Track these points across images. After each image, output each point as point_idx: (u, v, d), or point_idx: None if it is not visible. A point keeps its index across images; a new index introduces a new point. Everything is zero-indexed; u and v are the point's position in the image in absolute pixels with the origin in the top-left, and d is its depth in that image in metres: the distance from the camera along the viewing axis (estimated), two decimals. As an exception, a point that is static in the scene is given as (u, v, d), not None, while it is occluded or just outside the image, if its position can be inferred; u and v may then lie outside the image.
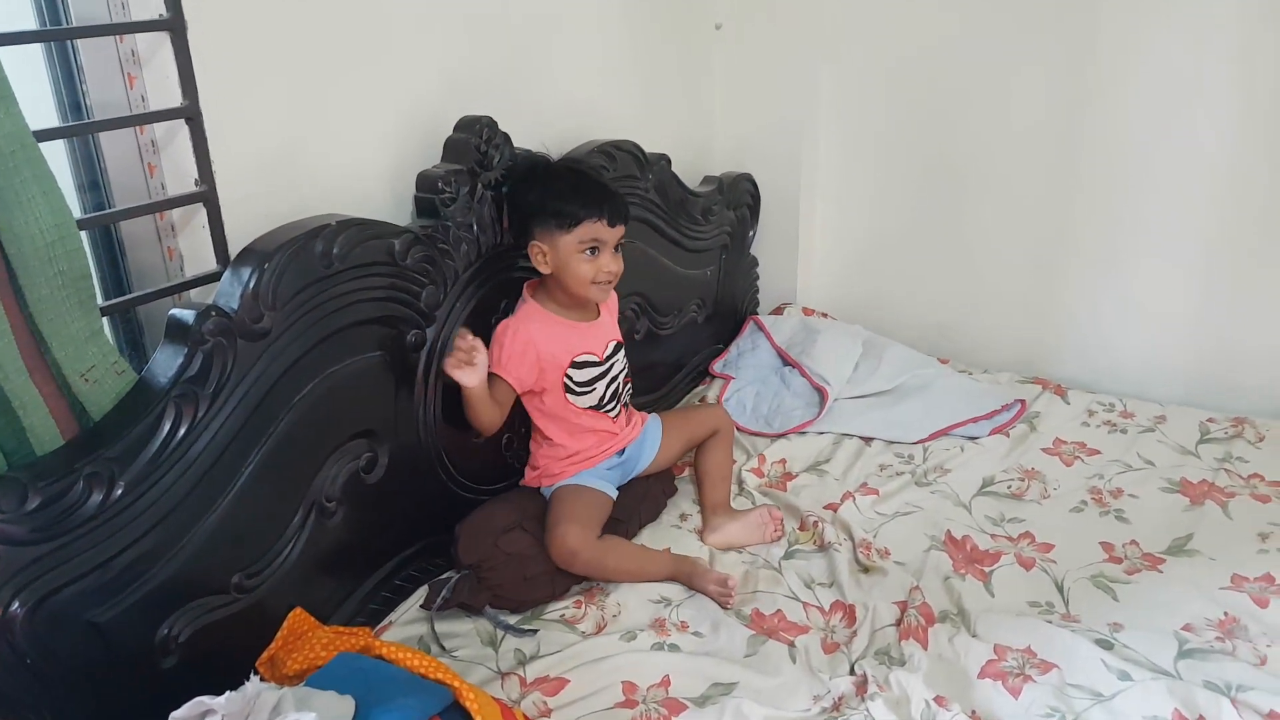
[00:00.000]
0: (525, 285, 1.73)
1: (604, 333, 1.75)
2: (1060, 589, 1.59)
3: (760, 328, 2.45)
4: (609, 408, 1.75)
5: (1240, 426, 2.04)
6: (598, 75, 2.12)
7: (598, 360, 1.72)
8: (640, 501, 1.81)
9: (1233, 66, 2.00)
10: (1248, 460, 1.92)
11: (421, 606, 1.55)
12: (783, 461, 2.01)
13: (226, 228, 1.41)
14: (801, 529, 1.77)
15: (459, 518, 1.65)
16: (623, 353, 1.79)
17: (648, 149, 2.09)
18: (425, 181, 1.61)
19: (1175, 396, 2.20)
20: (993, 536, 1.74)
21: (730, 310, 2.52)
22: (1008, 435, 2.08)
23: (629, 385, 1.82)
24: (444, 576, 1.59)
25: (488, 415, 1.62)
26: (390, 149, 1.65)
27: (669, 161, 2.18)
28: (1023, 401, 2.18)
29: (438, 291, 1.59)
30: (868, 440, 2.09)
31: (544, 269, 1.64)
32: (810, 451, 2.04)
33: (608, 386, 1.74)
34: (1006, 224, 2.35)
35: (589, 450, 1.74)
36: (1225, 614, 1.48)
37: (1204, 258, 2.15)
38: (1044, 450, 2.03)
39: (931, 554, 1.68)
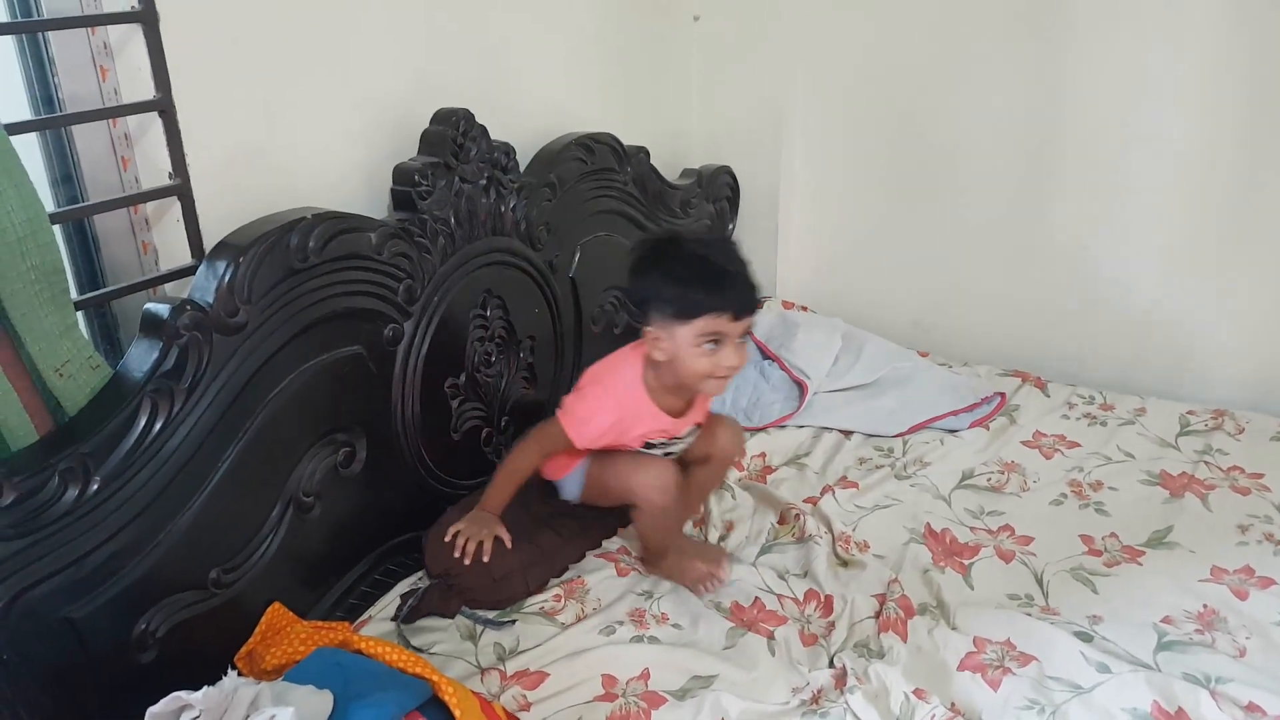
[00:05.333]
0: (644, 339, 1.52)
1: (687, 422, 1.61)
2: (1040, 581, 1.59)
3: (741, 321, 2.45)
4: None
5: (1220, 419, 2.04)
6: (575, 68, 2.11)
7: (668, 441, 1.62)
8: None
9: (1204, 66, 2.01)
10: (1227, 452, 1.93)
11: (392, 619, 1.51)
12: (762, 455, 2.00)
13: (201, 221, 1.40)
14: (781, 522, 1.77)
15: (438, 512, 1.64)
16: (697, 431, 1.66)
17: (626, 142, 2.08)
18: (402, 174, 1.60)
19: (1155, 389, 2.21)
20: (972, 529, 1.74)
21: (712, 304, 2.52)
22: (987, 428, 2.08)
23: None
24: (414, 588, 1.56)
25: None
26: (366, 142, 1.64)
27: (648, 154, 2.18)
28: (1002, 394, 2.18)
29: (415, 285, 1.59)
30: (847, 434, 2.09)
31: (658, 356, 1.49)
32: (789, 445, 2.04)
33: (664, 452, 1.64)
34: (986, 216, 2.35)
35: None
36: (1204, 606, 1.48)
37: (1182, 251, 2.16)
38: (1024, 443, 2.03)
39: (911, 547, 1.68)
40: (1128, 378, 2.26)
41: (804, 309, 2.55)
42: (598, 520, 1.73)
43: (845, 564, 1.65)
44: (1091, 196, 2.21)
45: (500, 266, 1.78)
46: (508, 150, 1.77)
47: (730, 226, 2.54)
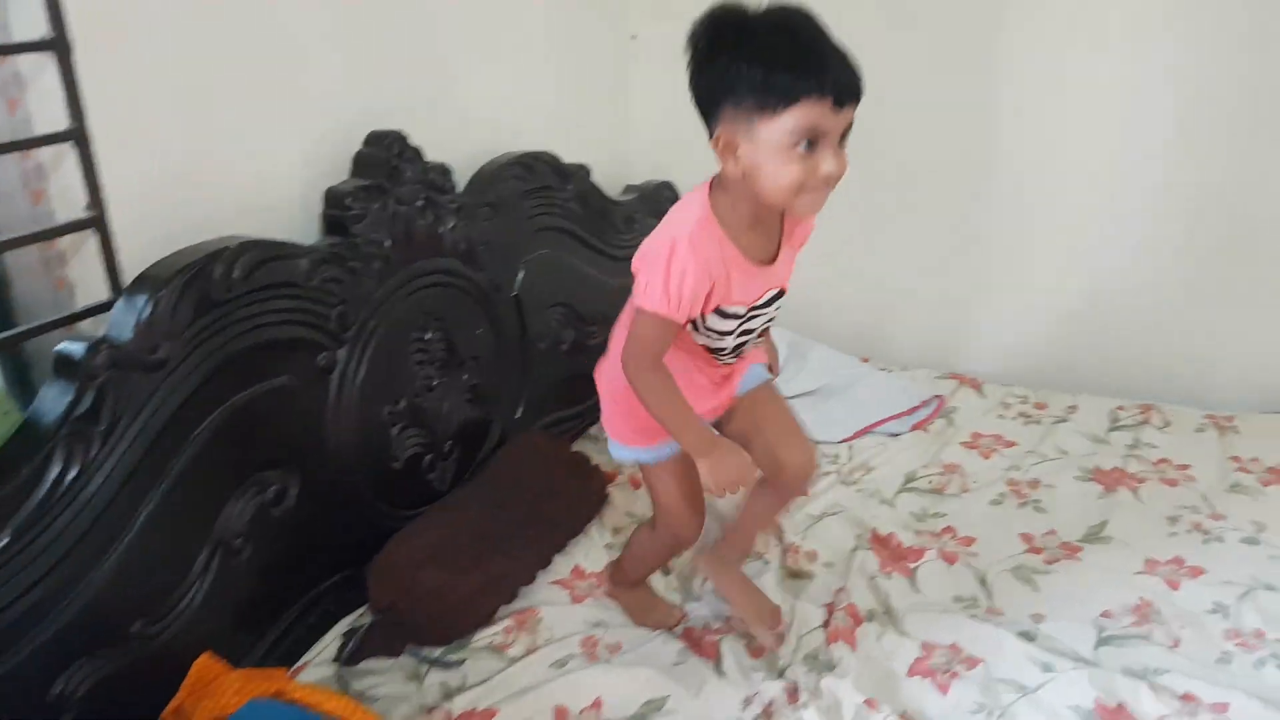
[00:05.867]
0: (710, 180, 1.24)
1: (772, 278, 1.28)
2: (983, 582, 1.61)
3: (685, 333, 2.45)
4: (724, 356, 1.34)
5: (1148, 413, 2.10)
6: (513, 87, 2.09)
7: (744, 311, 1.28)
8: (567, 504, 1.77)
9: (1127, 77, 2.07)
10: (1156, 445, 1.98)
11: (334, 659, 1.47)
12: (714, 466, 2.00)
13: (121, 254, 1.34)
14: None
15: (377, 547, 1.59)
16: (778, 302, 1.32)
17: (567, 159, 2.07)
18: (334, 198, 1.57)
19: (1086, 386, 2.26)
20: (916, 533, 1.76)
21: (656, 317, 2.51)
22: (927, 431, 2.11)
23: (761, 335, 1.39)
24: (357, 627, 1.52)
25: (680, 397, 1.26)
26: (295, 166, 1.60)
27: (588, 172, 2.16)
28: (940, 397, 2.22)
29: (348, 311, 1.55)
30: (794, 442, 2.09)
31: (731, 169, 1.16)
32: (740, 455, 2.04)
33: (738, 337, 1.31)
34: (920, 226, 2.39)
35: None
36: (1141, 599, 1.51)
37: (1103, 253, 2.21)
38: (962, 444, 2.06)
39: (858, 553, 1.69)
40: (1060, 376, 2.31)
41: (747, 318, 2.55)
42: (547, 535, 1.71)
43: (795, 575, 1.65)
44: (1022, 203, 2.25)
45: (440, 288, 1.76)
46: (444, 170, 1.75)
47: (672, 240, 2.54)
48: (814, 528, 1.78)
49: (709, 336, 1.29)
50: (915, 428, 2.12)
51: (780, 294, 1.32)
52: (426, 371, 1.75)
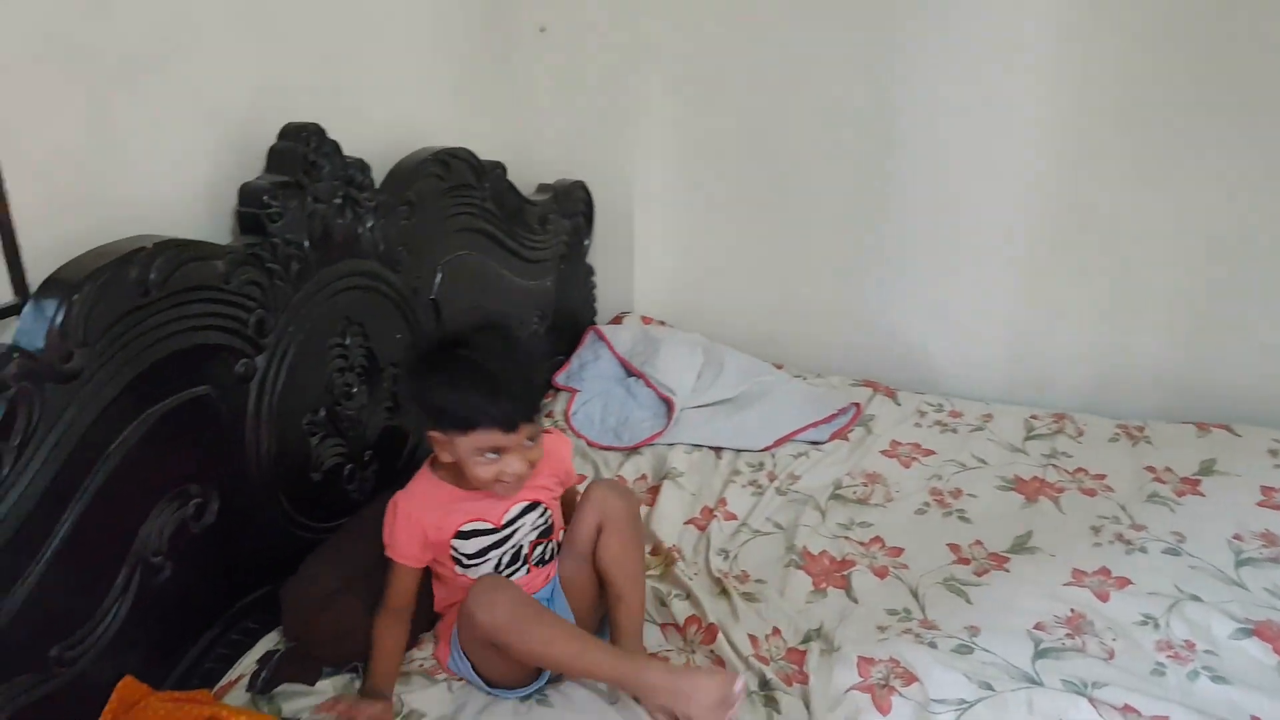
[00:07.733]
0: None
1: (512, 500, 1.47)
2: (915, 595, 1.61)
3: (601, 337, 2.41)
4: (509, 574, 1.47)
5: (1061, 422, 2.14)
6: (422, 81, 2.01)
7: (492, 528, 1.44)
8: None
9: (1033, 86, 2.11)
10: (1071, 455, 2.02)
11: (247, 689, 1.37)
12: (644, 477, 1.97)
13: (23, 254, 1.21)
14: (654, 553, 1.72)
15: (296, 560, 1.50)
16: (537, 513, 1.48)
17: (480, 156, 2.00)
18: (249, 195, 1.47)
19: (996, 394, 2.32)
20: (845, 543, 1.75)
21: (570, 320, 2.47)
22: (847, 439, 2.12)
23: (548, 543, 1.50)
24: (272, 651, 1.44)
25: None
26: (204, 159, 1.49)
27: (504, 170, 2.10)
28: (858, 405, 2.23)
29: (267, 315, 1.45)
30: (717, 450, 2.08)
31: (445, 458, 1.42)
32: (663, 464, 2.01)
33: (508, 553, 1.45)
34: (831, 232, 2.40)
35: None
36: (1071, 610, 1.53)
37: (1014, 261, 2.26)
38: (882, 453, 2.07)
39: (790, 573, 1.67)
40: (970, 384, 2.36)
41: (662, 324, 2.53)
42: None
43: (725, 593, 1.61)
44: (933, 211, 2.28)
45: (359, 291, 1.67)
46: (363, 167, 1.66)
47: (586, 242, 2.50)
48: (747, 545, 1.76)
49: (473, 564, 1.45)
50: (834, 436, 2.13)
51: (531, 506, 1.48)
52: (346, 379, 1.66)
